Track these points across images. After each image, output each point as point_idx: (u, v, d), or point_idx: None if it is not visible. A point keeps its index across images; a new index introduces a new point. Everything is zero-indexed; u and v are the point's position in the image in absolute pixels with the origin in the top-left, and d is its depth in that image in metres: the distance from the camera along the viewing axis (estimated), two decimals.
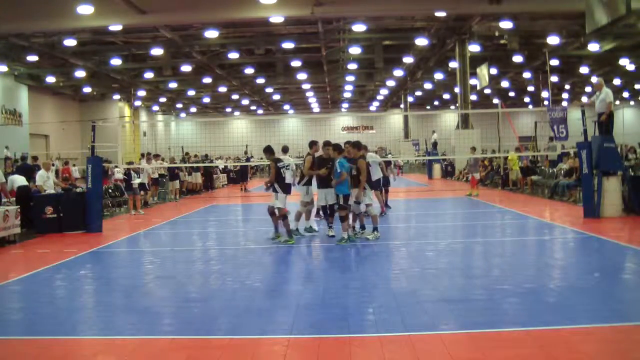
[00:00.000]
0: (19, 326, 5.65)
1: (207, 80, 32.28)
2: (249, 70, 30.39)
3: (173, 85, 34.43)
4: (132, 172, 16.23)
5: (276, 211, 9.79)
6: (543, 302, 5.83)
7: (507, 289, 6.36)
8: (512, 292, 6.21)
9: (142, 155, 22.11)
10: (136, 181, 15.99)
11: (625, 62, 28.12)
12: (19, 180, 12.99)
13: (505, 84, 35.61)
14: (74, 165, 25.77)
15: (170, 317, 5.83)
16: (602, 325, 5.02)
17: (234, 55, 26.10)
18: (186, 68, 28.88)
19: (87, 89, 34.58)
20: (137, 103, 40.59)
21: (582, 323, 5.06)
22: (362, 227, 10.18)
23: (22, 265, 9.05)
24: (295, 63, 28.30)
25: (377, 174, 12.75)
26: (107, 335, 5.23)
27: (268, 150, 10.40)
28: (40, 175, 13.25)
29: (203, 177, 24.36)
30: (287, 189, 9.85)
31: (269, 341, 4.91)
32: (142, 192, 16.10)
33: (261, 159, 37.91)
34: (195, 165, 24.22)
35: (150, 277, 7.92)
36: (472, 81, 26.95)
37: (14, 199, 12.33)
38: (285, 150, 12.24)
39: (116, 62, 26.04)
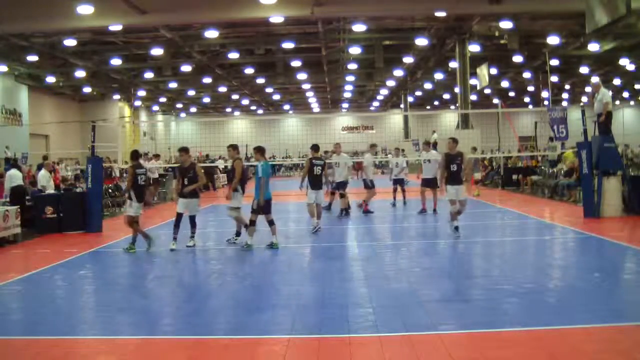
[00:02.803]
0: (19, 326, 5.65)
1: (207, 80, 32.24)
2: (249, 70, 30.35)
3: (173, 85, 34.39)
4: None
5: (129, 219, 9.50)
6: (543, 302, 5.83)
7: (507, 289, 6.35)
8: (512, 292, 6.21)
9: (141, 155, 22.12)
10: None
11: (625, 62, 28.10)
12: (17, 177, 12.97)
13: (505, 84, 35.57)
14: (65, 165, 25.94)
15: (170, 317, 5.83)
16: (603, 325, 5.02)
17: (234, 55, 26.06)
18: (186, 68, 28.84)
19: (87, 89, 34.54)
20: (137, 103, 40.52)
21: (582, 323, 5.06)
22: (237, 235, 10.03)
23: (22, 265, 9.05)
24: (295, 63, 28.27)
25: (431, 173, 13.59)
26: (107, 335, 5.23)
27: (133, 156, 10.03)
28: (43, 175, 13.28)
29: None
30: (141, 197, 9.73)
31: (269, 341, 4.91)
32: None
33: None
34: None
35: (150, 277, 7.92)
36: (472, 81, 26.92)
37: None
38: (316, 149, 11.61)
39: (116, 62, 26.01)
